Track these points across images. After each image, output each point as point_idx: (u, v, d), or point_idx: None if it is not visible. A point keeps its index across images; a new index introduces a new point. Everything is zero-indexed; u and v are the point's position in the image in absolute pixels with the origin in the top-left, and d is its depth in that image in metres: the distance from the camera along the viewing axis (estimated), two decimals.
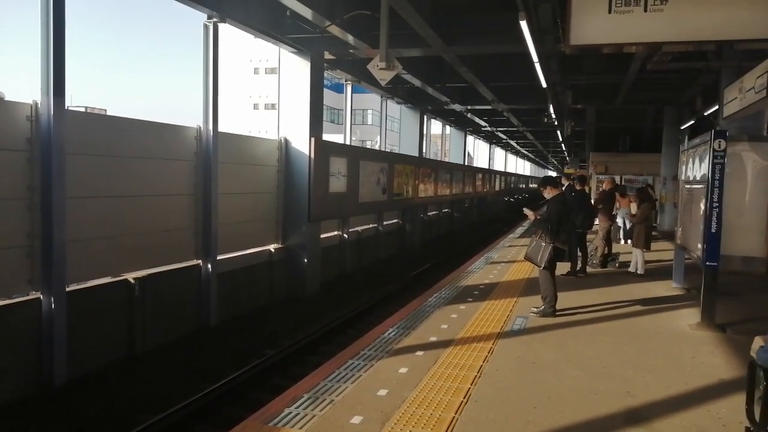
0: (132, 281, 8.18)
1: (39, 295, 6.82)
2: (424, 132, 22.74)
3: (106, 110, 25.95)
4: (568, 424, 4.07)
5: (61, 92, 6.77)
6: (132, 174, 8.31)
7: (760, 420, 3.10)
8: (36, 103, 6.74)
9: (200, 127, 9.47)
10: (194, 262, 9.51)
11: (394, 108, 21.79)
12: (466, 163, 32.25)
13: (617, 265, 11.05)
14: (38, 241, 6.78)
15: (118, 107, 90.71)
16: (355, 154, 14.51)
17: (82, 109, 19.68)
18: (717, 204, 6.39)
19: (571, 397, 4.55)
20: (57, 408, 6.46)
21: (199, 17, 9.35)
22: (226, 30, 10.07)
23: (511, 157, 62.24)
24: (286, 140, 11.94)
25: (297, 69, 11.85)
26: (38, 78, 6.67)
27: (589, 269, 10.47)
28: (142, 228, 8.48)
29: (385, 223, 18.10)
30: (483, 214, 35.48)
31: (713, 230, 6.41)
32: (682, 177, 9.04)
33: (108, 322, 7.79)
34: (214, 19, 9.29)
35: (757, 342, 3.56)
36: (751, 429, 3.18)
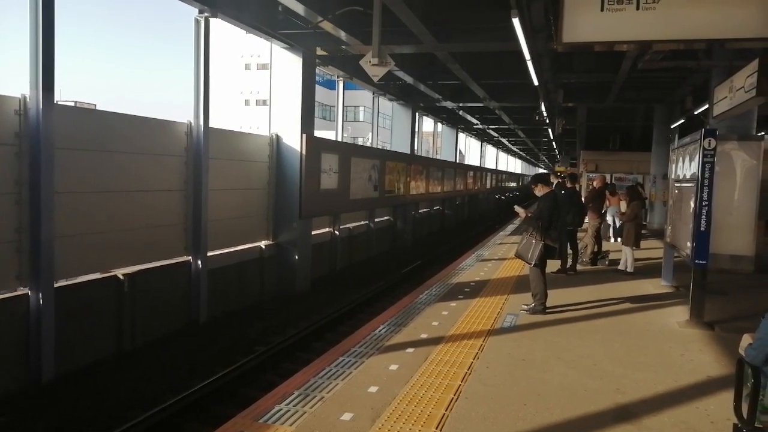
0: (121, 277, 8.12)
1: (27, 290, 6.76)
2: (416, 129, 22.73)
3: (95, 105, 25.73)
4: (557, 420, 4.08)
5: (50, 86, 6.70)
6: (121, 169, 8.25)
7: (748, 416, 3.13)
8: (24, 97, 6.67)
9: (191, 123, 9.41)
10: (184, 258, 9.46)
11: (385, 105, 21.79)
12: (457, 161, 32.27)
13: (607, 262, 11.11)
14: (26, 236, 6.71)
15: (107, 102, 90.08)
16: (346, 151, 14.48)
17: (72, 104, 19.52)
18: (706, 202, 6.42)
19: (561, 394, 4.57)
20: (44, 405, 6.40)
21: (190, 12, 9.30)
22: (218, 25, 10.01)
23: (503, 155, 62.38)
24: (277, 136, 11.90)
25: (289, 65, 11.81)
26: (27, 72, 6.60)
27: (579, 267, 10.52)
28: (131, 224, 8.42)
29: (376, 220, 18.10)
30: (474, 211, 35.56)
31: (702, 228, 6.45)
32: (672, 175, 9.09)
33: (97, 319, 7.73)
34: (206, 14, 9.23)
35: (746, 339, 3.60)
36: (739, 425, 3.21)
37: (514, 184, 58.46)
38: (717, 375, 5.09)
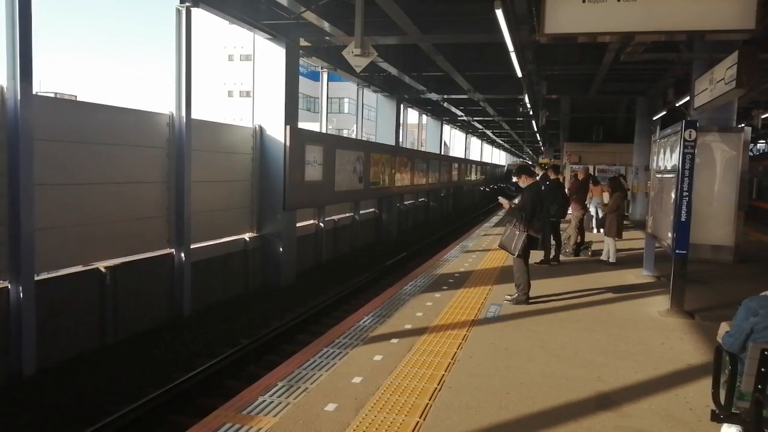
0: (103, 270, 8.05)
1: (7, 284, 6.68)
2: (401, 121, 22.71)
3: (76, 96, 25.35)
4: (540, 409, 4.12)
5: (28, 77, 6.59)
6: (102, 161, 8.15)
7: (725, 402, 3.18)
8: (2, 88, 6.56)
9: (173, 114, 9.31)
10: (167, 250, 9.39)
11: (370, 97, 21.73)
12: (442, 153, 32.31)
13: (590, 253, 11.20)
14: (5, 229, 6.62)
15: (88, 93, 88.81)
16: (331, 143, 14.43)
17: (51, 95, 19.21)
18: (687, 193, 6.49)
19: (543, 382, 4.61)
20: (26, 398, 6.34)
21: (171, 2, 9.18)
22: (200, 15, 9.90)
23: (487, 147, 62.56)
24: (261, 128, 11.82)
25: (272, 56, 11.72)
26: (3, 62, 6.51)
27: (562, 257, 10.60)
28: (113, 216, 8.34)
29: (361, 212, 18.08)
30: (459, 203, 35.67)
31: (683, 219, 6.52)
32: (654, 167, 9.18)
33: (79, 312, 7.65)
34: (187, 4, 9.12)
35: (723, 327, 3.65)
36: (717, 411, 3.26)
37: (498, 176, 58.64)
38: (696, 363, 5.17)
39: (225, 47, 52.75)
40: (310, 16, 10.18)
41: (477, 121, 33.32)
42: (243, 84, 51.10)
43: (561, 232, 10.95)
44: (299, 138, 12.21)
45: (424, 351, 5.29)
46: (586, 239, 11.73)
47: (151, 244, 9.14)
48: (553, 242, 10.32)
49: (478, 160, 50.60)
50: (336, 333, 5.86)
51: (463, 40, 12.51)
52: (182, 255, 9.45)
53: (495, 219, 19.63)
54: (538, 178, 9.42)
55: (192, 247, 9.70)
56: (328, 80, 16.48)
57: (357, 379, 4.56)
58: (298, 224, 12.98)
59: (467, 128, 40.71)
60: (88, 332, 7.84)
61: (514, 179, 7.82)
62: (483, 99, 21.37)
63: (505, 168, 55.44)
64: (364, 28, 7.94)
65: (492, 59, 14.95)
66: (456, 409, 4.07)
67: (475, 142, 52.60)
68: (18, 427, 5.81)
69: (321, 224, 14.89)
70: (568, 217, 11.39)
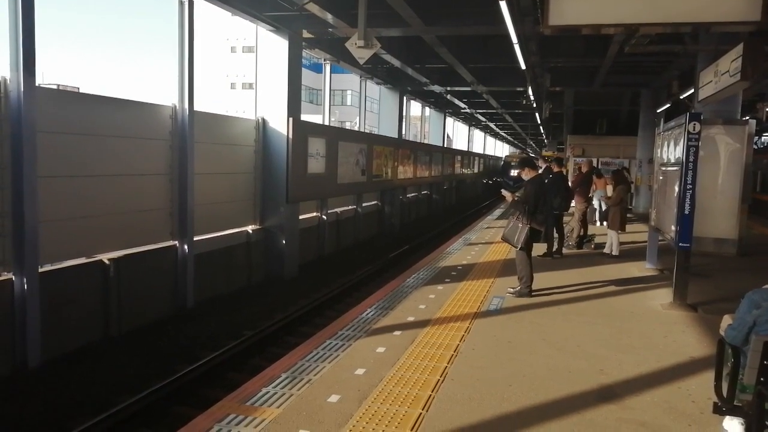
0: (107, 262, 8.07)
1: (11, 276, 6.71)
2: (404, 113, 22.66)
3: (78, 88, 25.33)
4: (542, 401, 4.14)
5: (31, 69, 6.60)
6: (105, 153, 8.16)
7: (728, 395, 3.18)
8: (5, 80, 6.56)
9: (175, 106, 9.31)
10: (170, 243, 9.41)
11: (373, 89, 21.67)
12: (445, 145, 32.25)
13: (593, 246, 11.19)
14: (9, 221, 6.65)
15: (90, 85, 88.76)
16: (333, 135, 14.42)
17: (54, 87, 19.20)
18: (690, 186, 6.47)
19: (546, 375, 4.62)
20: (31, 390, 6.38)
21: None
22: (202, 7, 9.88)
23: (490, 139, 62.38)
24: (263, 120, 11.81)
25: (275, 48, 11.69)
26: (6, 54, 6.50)
27: (565, 250, 10.59)
28: (116, 208, 8.36)
29: (364, 204, 18.08)
30: (462, 195, 35.63)
31: (686, 212, 6.51)
32: (657, 159, 9.15)
33: (83, 304, 7.69)
34: None
35: (726, 320, 3.65)
36: (719, 404, 3.27)
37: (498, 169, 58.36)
38: (699, 356, 5.17)
39: (227, 39, 52.60)
40: (313, 8, 10.13)
41: (480, 113, 33.22)
42: (245, 76, 50.95)
43: (564, 225, 10.93)
44: (302, 130, 12.20)
45: (426, 343, 5.30)
46: (589, 232, 11.72)
47: (154, 236, 9.16)
48: (555, 235, 10.32)
49: (481, 152, 50.47)
50: (339, 325, 5.87)
51: (467, 31, 12.45)
52: (185, 247, 9.47)
53: (498, 212, 19.61)
54: (541, 170, 9.41)
55: (195, 239, 9.73)
56: (331, 72, 16.44)
57: (360, 371, 4.58)
58: (300, 217, 13.00)
59: (470, 120, 40.60)
60: (92, 324, 7.88)
61: (515, 172, 7.80)
62: (486, 91, 21.29)
63: (502, 161, 54.35)
64: (367, 19, 7.93)
65: (495, 51, 14.87)
66: (459, 401, 4.09)
67: (478, 134, 52.44)
68: (23, 417, 5.85)
69: (324, 217, 14.91)
70: (571, 209, 11.37)
